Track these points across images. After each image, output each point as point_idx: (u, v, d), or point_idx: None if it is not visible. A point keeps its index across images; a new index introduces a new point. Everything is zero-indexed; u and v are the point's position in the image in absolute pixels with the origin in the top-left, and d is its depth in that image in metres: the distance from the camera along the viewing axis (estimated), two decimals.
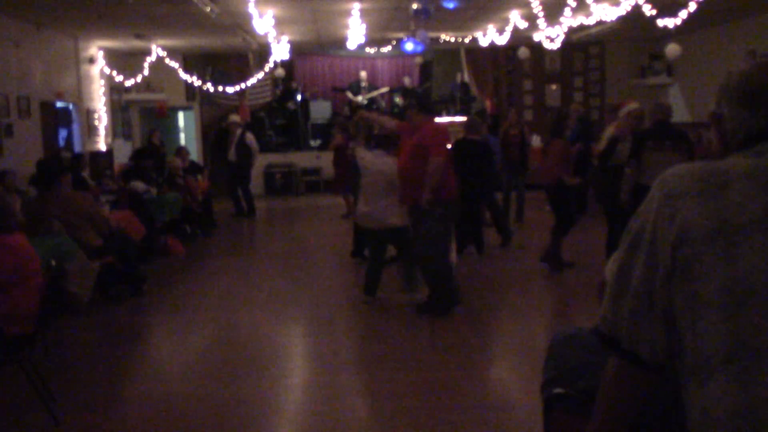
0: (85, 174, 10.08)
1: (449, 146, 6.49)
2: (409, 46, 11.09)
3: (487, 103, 15.16)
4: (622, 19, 10.03)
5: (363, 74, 15.76)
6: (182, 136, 17.35)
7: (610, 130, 8.45)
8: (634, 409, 1.47)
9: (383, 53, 15.51)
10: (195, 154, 14.30)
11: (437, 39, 13.08)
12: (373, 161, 6.33)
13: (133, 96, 14.38)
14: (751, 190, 1.26)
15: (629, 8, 9.00)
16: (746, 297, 1.20)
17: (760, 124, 1.37)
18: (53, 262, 4.37)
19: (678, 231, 1.28)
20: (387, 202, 6.14)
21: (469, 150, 8.04)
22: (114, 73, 13.18)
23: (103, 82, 13.03)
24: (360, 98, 15.32)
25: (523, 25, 10.91)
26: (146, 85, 14.16)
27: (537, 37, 12.22)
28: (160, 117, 14.78)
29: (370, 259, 6.57)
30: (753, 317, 1.19)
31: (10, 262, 4.06)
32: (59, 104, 11.28)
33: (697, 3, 8.73)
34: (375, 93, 15.46)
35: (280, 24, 10.66)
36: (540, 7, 9.39)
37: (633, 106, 7.53)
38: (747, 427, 1.16)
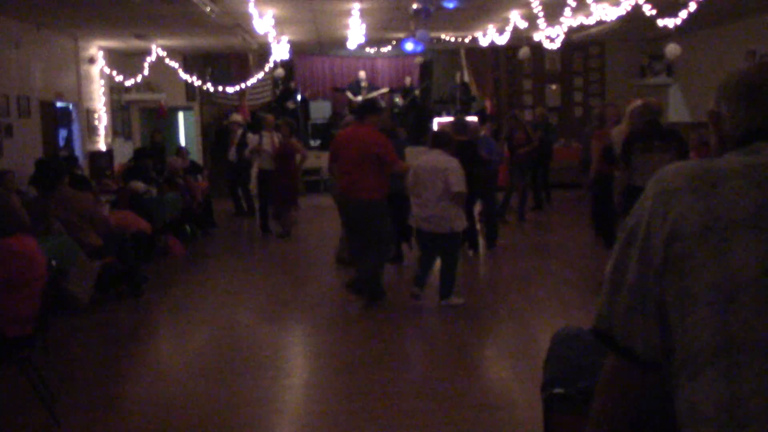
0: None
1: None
2: (409, 46, 11.10)
3: (487, 104, 15.16)
4: (622, 19, 10.03)
5: (362, 74, 15.75)
6: (182, 136, 17.35)
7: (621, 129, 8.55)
8: (631, 407, 1.48)
9: (383, 53, 15.51)
10: (195, 154, 14.30)
11: (437, 39, 13.09)
12: (427, 161, 6.17)
13: (133, 96, 14.38)
14: (743, 188, 1.26)
15: (629, 8, 9.00)
16: (735, 293, 1.21)
17: (757, 122, 1.38)
18: (53, 262, 4.37)
19: (671, 227, 1.29)
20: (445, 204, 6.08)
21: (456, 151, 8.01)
22: (114, 73, 13.18)
23: (103, 82, 13.04)
24: (360, 98, 15.32)
25: (523, 25, 10.91)
26: (146, 85, 14.17)
27: (537, 37, 12.23)
28: (160, 117, 14.78)
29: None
30: (741, 313, 1.20)
31: (10, 265, 4.05)
32: (59, 104, 11.28)
33: (697, 3, 8.74)
34: (375, 93, 15.47)
35: (280, 24, 10.66)
36: (540, 7, 9.39)
37: (636, 104, 7.55)
38: (733, 422, 1.17)
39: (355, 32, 11.20)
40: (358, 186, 6.22)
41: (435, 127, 14.69)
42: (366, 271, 6.37)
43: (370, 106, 6.72)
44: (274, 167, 10.09)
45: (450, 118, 14.89)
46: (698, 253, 1.25)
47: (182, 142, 16.32)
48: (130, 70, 13.63)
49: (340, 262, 8.03)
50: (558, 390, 2.09)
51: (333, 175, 7.32)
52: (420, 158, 6.29)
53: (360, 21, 10.39)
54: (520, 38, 12.41)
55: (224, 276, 8.13)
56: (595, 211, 9.46)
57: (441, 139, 6.34)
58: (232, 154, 12.16)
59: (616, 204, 6.43)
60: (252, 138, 10.75)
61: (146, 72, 13.36)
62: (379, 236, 6.34)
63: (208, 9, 8.94)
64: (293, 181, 10.10)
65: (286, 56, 13.19)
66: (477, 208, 8.81)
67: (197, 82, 14.10)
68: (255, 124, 14.62)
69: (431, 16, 9.53)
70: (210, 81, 14.38)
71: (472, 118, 10.36)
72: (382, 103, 15.47)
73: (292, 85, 15.70)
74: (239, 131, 12.21)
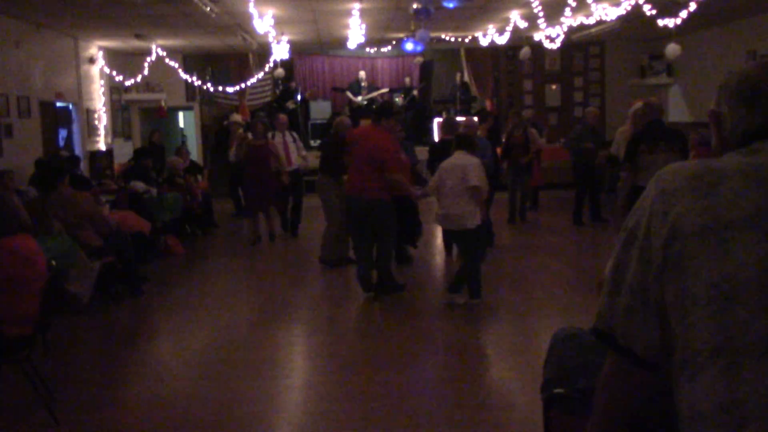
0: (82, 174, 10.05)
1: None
2: (409, 46, 11.10)
3: (487, 103, 15.16)
4: (622, 19, 10.03)
5: (362, 74, 15.76)
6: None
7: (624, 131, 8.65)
8: (631, 407, 1.48)
9: (383, 53, 15.51)
10: (195, 154, 14.30)
11: (437, 39, 13.09)
12: (454, 161, 6.15)
13: (133, 96, 14.38)
14: (743, 188, 1.26)
15: (629, 8, 9.00)
16: (734, 293, 1.21)
17: (757, 122, 1.38)
18: (53, 262, 4.37)
19: (670, 227, 1.30)
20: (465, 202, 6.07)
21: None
22: (114, 73, 13.18)
23: (103, 82, 13.04)
24: (359, 98, 15.32)
25: (523, 25, 10.91)
26: (146, 85, 14.17)
27: (537, 37, 12.22)
28: (160, 117, 14.78)
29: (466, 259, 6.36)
30: (740, 313, 1.20)
31: (10, 265, 4.05)
32: (59, 104, 11.27)
33: (697, 3, 8.74)
34: (375, 93, 15.47)
35: (280, 24, 10.66)
36: (540, 7, 9.39)
37: (638, 105, 7.59)
38: (732, 422, 1.17)
39: (355, 32, 11.20)
40: (365, 185, 6.35)
41: (435, 128, 14.72)
42: (362, 270, 6.58)
43: (386, 109, 6.80)
44: (248, 171, 9.51)
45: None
46: (698, 253, 1.25)
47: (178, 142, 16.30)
48: (130, 70, 13.63)
49: (325, 264, 8.02)
50: (558, 390, 2.09)
51: (326, 174, 7.85)
52: (448, 160, 6.24)
53: (360, 21, 10.39)
54: (520, 38, 12.41)
55: (224, 276, 8.14)
56: (579, 190, 9.96)
57: (464, 141, 6.35)
58: (232, 154, 12.14)
59: (620, 205, 6.47)
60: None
61: (146, 72, 13.36)
62: (383, 234, 6.47)
63: (208, 9, 8.93)
64: (269, 187, 9.39)
65: (286, 56, 13.19)
66: None
67: (197, 82, 14.10)
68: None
69: (431, 16, 9.53)
70: (210, 81, 14.38)
71: (473, 118, 10.34)
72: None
73: (292, 85, 15.70)
74: (240, 131, 12.18)
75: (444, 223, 6.34)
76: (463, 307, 6.17)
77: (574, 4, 9.16)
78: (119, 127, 14.07)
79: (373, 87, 15.76)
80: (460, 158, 6.16)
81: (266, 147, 9.42)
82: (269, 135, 9.84)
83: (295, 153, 10.00)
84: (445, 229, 6.47)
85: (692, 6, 8.82)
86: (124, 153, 13.22)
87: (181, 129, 16.16)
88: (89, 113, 12.35)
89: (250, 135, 12.09)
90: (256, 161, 9.39)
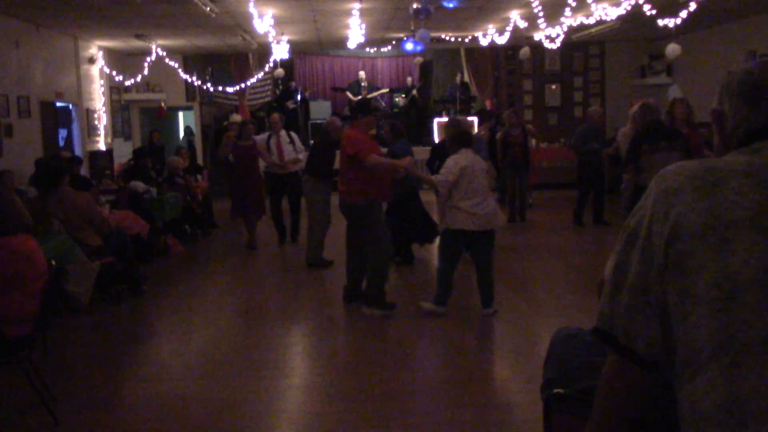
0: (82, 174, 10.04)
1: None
2: (409, 46, 11.11)
3: (487, 103, 15.17)
4: (622, 19, 10.04)
5: (362, 74, 15.76)
6: (182, 135, 17.34)
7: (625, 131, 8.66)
8: (632, 407, 1.48)
9: (383, 53, 15.52)
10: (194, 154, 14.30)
11: (437, 39, 13.09)
12: (475, 159, 5.97)
13: (133, 96, 14.39)
14: (745, 187, 1.27)
15: (629, 8, 9.01)
16: (736, 292, 1.21)
17: (759, 121, 1.38)
18: (53, 262, 4.37)
19: (672, 227, 1.30)
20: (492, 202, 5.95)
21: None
22: (114, 73, 13.19)
23: (102, 82, 13.04)
24: (359, 98, 15.32)
25: (523, 25, 10.92)
26: (146, 85, 14.17)
27: (537, 37, 12.23)
28: (160, 117, 14.80)
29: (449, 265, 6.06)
30: (742, 312, 1.20)
31: (10, 264, 4.05)
32: (59, 104, 11.28)
33: (697, 3, 8.74)
34: (375, 93, 15.47)
35: (280, 24, 10.67)
36: (540, 7, 9.39)
37: (635, 107, 7.60)
38: (732, 421, 1.17)
39: (355, 32, 11.21)
40: (342, 188, 6.20)
41: (435, 128, 14.72)
42: (353, 276, 6.42)
43: (360, 106, 6.72)
44: (239, 173, 9.22)
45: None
46: (699, 253, 1.26)
47: (183, 141, 16.28)
48: (130, 70, 13.64)
49: (311, 266, 7.97)
50: (558, 390, 2.09)
51: (310, 176, 7.87)
52: (462, 158, 5.91)
53: (360, 21, 10.39)
54: (520, 38, 12.42)
55: (224, 276, 8.13)
56: (582, 191, 9.99)
57: (467, 138, 6.27)
58: (219, 153, 12.07)
59: (624, 206, 6.48)
60: (260, 138, 9.53)
61: (146, 72, 13.37)
62: (366, 241, 6.17)
63: (208, 9, 8.94)
64: (259, 188, 9.33)
65: (286, 56, 13.20)
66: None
67: (197, 82, 14.11)
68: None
69: (431, 16, 9.53)
70: (210, 81, 14.39)
71: (472, 118, 10.35)
72: (382, 103, 15.52)
73: (292, 85, 15.71)
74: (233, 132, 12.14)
75: (485, 223, 5.75)
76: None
77: (574, 4, 9.17)
78: (119, 127, 14.08)
79: (373, 87, 15.76)
80: (478, 158, 6.04)
81: (253, 148, 9.21)
82: (265, 135, 9.61)
83: (292, 154, 9.71)
84: (472, 231, 5.76)
85: (692, 6, 8.83)
86: (124, 153, 13.23)
87: (188, 127, 16.12)
88: (89, 113, 12.35)
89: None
90: (243, 162, 9.19)
